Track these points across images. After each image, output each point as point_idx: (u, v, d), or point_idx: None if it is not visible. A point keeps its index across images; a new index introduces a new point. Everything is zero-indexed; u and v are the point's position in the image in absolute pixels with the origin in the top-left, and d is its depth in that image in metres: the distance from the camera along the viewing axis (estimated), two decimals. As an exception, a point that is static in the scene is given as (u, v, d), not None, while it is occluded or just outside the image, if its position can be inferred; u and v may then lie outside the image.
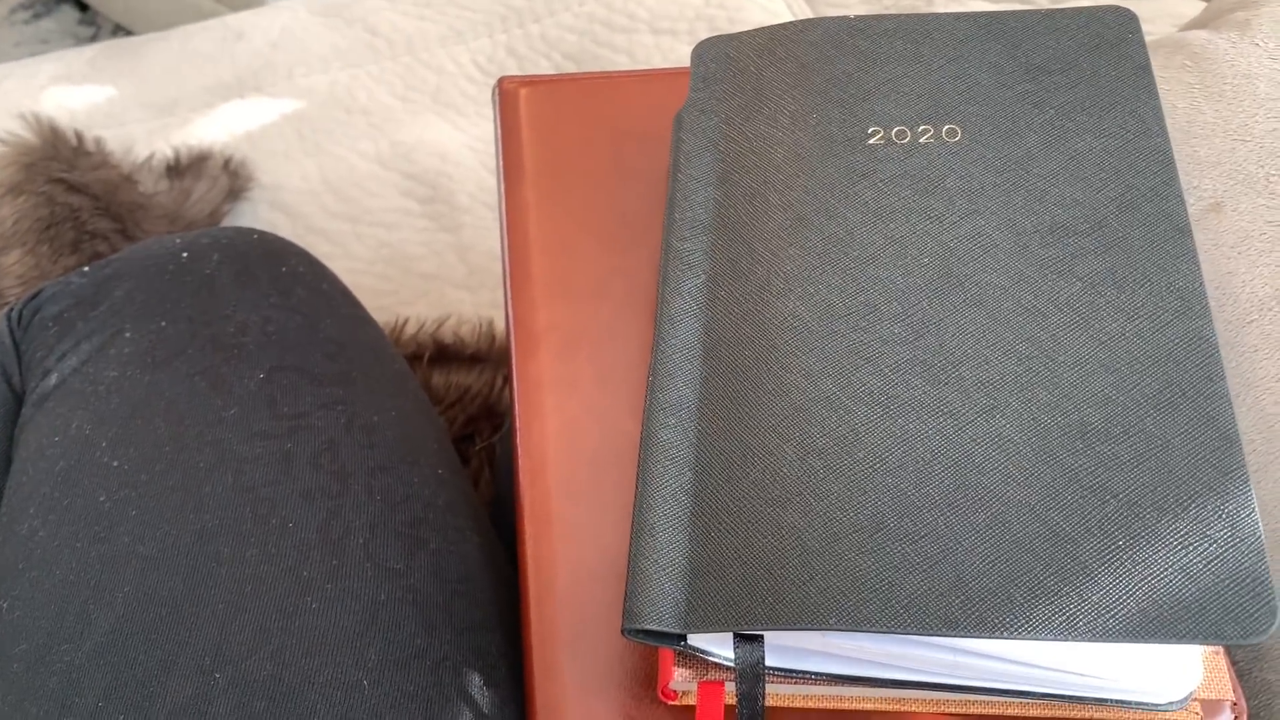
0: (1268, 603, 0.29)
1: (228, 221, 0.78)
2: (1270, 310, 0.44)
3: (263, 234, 0.50)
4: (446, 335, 0.70)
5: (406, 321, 0.69)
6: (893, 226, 0.37)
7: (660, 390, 0.36)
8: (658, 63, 0.83)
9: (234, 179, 0.77)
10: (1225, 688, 0.34)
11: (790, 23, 0.43)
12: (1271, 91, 0.48)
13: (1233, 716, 0.35)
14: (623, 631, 0.32)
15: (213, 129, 0.83)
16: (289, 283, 0.48)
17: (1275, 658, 0.41)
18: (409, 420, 0.45)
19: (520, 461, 0.40)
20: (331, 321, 0.47)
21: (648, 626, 0.32)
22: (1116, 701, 0.32)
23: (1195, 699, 0.34)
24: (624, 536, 0.38)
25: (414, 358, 0.65)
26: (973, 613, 0.30)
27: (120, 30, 1.67)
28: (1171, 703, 0.32)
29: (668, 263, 0.39)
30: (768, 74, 0.42)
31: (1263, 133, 0.47)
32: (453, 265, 0.75)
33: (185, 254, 0.48)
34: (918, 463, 0.32)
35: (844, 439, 0.33)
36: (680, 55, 0.83)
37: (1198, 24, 0.55)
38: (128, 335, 0.44)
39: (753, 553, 0.32)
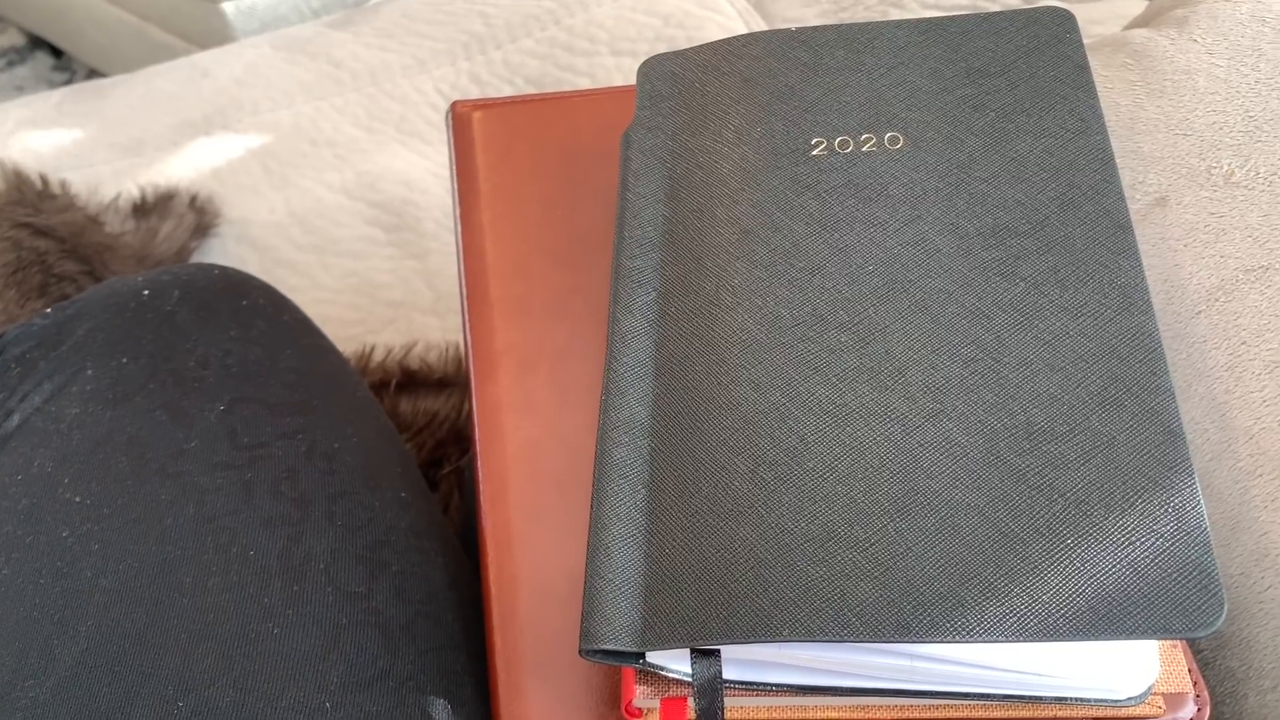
0: (1215, 595, 0.29)
1: (196, 258, 0.77)
2: (1217, 301, 0.44)
3: (224, 269, 0.50)
4: (413, 362, 0.69)
5: (374, 349, 0.69)
6: (838, 236, 0.36)
7: (613, 409, 0.35)
8: (618, 82, 0.83)
9: (201, 216, 0.76)
10: (1184, 680, 0.33)
11: (733, 37, 0.43)
12: (1210, 86, 0.48)
13: (1196, 708, 0.34)
14: (580, 652, 0.32)
15: (179, 167, 0.83)
16: (249, 316, 0.48)
17: (1237, 645, 0.40)
18: (370, 446, 0.45)
19: (481, 484, 0.40)
20: (291, 352, 0.47)
21: (604, 646, 0.31)
22: (1077, 699, 0.32)
23: (1157, 693, 0.33)
24: (584, 558, 0.37)
25: (382, 385, 0.65)
26: (924, 617, 0.29)
27: (94, 74, 1.66)
28: (1131, 698, 0.32)
29: (618, 281, 0.38)
30: (712, 89, 0.42)
31: (1203, 126, 0.47)
32: (420, 291, 0.75)
33: (146, 291, 0.48)
34: (867, 470, 0.32)
35: (794, 449, 0.33)
36: (640, 74, 0.83)
37: (1139, 22, 0.55)
38: (89, 373, 0.44)
39: (706, 568, 0.31)
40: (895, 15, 0.81)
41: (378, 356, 0.69)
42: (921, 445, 0.32)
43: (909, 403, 0.33)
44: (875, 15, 0.81)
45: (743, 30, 0.86)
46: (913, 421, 0.33)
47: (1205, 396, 0.43)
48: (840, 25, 0.42)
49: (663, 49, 0.85)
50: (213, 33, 1.50)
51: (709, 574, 0.31)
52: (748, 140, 0.40)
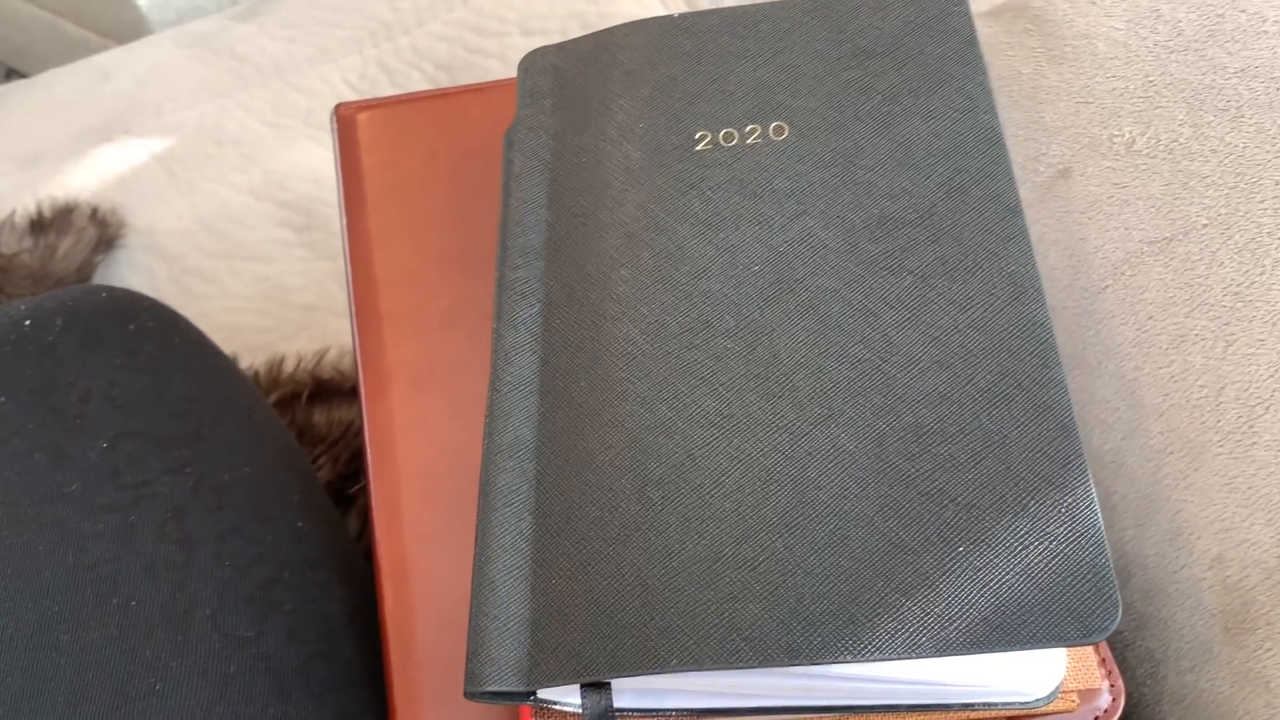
0: (1109, 598, 0.28)
1: (100, 272, 0.74)
2: (1123, 274, 0.43)
3: (111, 291, 0.48)
4: (326, 370, 0.67)
5: (284, 360, 0.66)
6: (723, 236, 0.35)
7: (496, 432, 0.34)
8: (530, 66, 0.81)
9: (103, 229, 0.73)
10: (1094, 674, 0.32)
11: (615, 27, 0.41)
12: (1109, 50, 0.47)
13: (1110, 698, 0.34)
14: (465, 694, 0.30)
15: (81, 177, 0.80)
16: (136, 341, 0.45)
17: (1156, 626, 0.40)
18: (265, 474, 0.43)
19: (374, 509, 0.38)
20: (182, 377, 0.45)
21: (490, 688, 0.30)
22: (984, 704, 0.31)
23: (1069, 690, 0.32)
24: (479, 582, 0.36)
25: (294, 396, 0.63)
26: (815, 638, 0.28)
27: (15, 74, 1.61)
28: (1039, 699, 0.31)
29: (501, 293, 0.37)
30: (594, 84, 0.40)
31: (1103, 93, 0.46)
32: (333, 294, 0.72)
33: (28, 322, 0.45)
34: (755, 483, 0.31)
35: (680, 466, 0.31)
36: (552, 56, 0.81)
37: (1039, -14, 0.54)
38: None
39: (593, 598, 0.30)
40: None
41: (289, 366, 0.67)
42: (809, 454, 0.31)
43: (797, 410, 0.32)
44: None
45: (656, 6, 0.84)
46: (801, 429, 0.31)
47: (1115, 374, 0.42)
48: (724, 9, 0.40)
49: (574, 27, 0.82)
50: (126, 26, 1.45)
51: (596, 604, 0.30)
52: (631, 137, 0.38)
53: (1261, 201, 0.41)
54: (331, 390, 0.64)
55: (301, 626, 0.38)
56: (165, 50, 0.89)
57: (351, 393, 0.65)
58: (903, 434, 0.31)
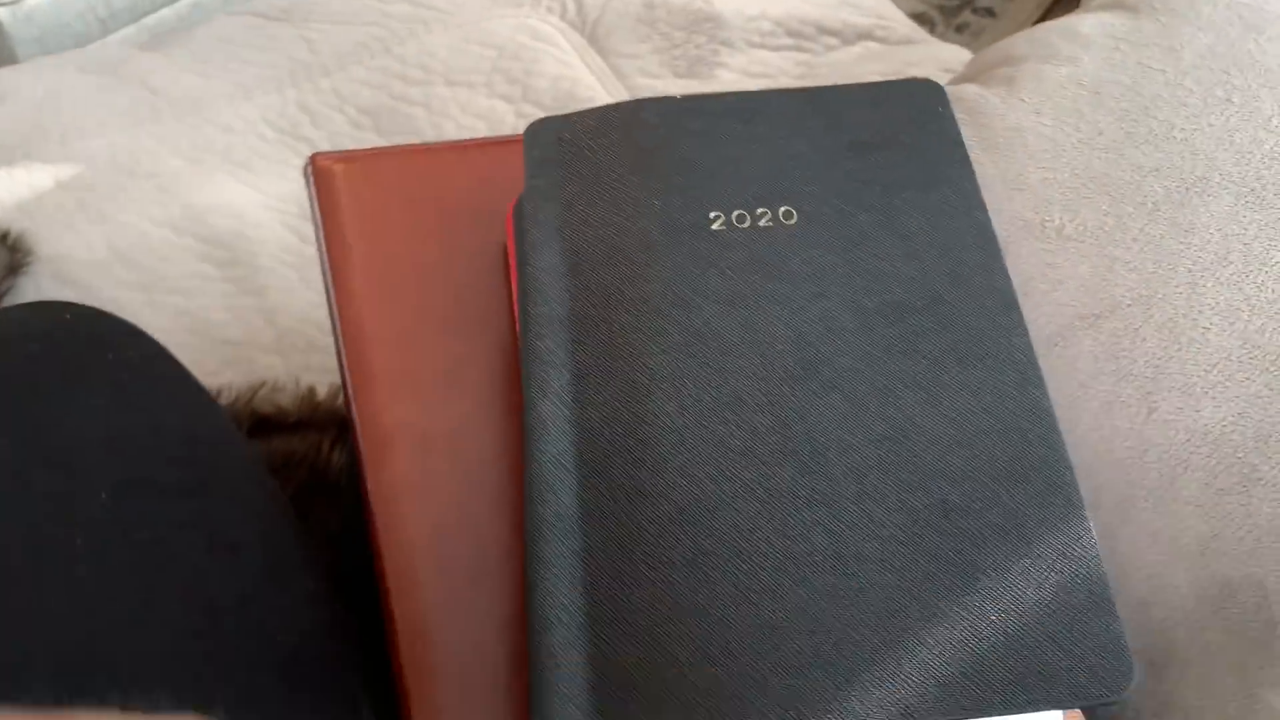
0: (1126, 660, 0.29)
1: (9, 299, 0.68)
2: (1056, 346, 0.46)
3: (76, 310, 0.42)
4: (264, 405, 0.63)
5: (220, 393, 0.62)
6: (747, 314, 0.35)
7: (538, 503, 0.33)
8: (455, 114, 0.79)
9: (12, 253, 0.67)
10: (1080, 722, 0.34)
11: (621, 104, 0.41)
12: (1039, 144, 0.50)
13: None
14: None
15: (-21, 201, 0.73)
16: (120, 373, 0.40)
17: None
18: (271, 529, 0.39)
19: (387, 577, 0.36)
20: (175, 416, 0.40)
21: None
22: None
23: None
24: (509, 648, 0.34)
25: (232, 432, 0.59)
26: (872, 704, 0.29)
27: None
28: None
29: (529, 361, 0.36)
30: (604, 158, 0.40)
31: (1035, 181, 0.49)
32: (260, 329, 0.68)
33: None
34: (800, 555, 0.31)
35: (728, 538, 0.31)
36: (478, 108, 0.79)
37: (966, 78, 0.57)
38: None
39: (657, 669, 0.30)
40: (725, 54, 0.81)
41: (225, 400, 0.62)
42: (849, 528, 0.31)
43: (831, 484, 0.32)
44: (706, 55, 0.81)
45: (578, 61, 0.84)
46: (838, 504, 0.32)
47: (1055, 437, 0.44)
48: (726, 94, 0.41)
49: (499, 81, 0.81)
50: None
51: (659, 676, 0.29)
52: (647, 213, 0.38)
53: (1177, 286, 0.45)
54: (271, 426, 0.61)
55: (328, 703, 0.36)
56: (65, 74, 0.82)
57: (293, 427, 0.61)
58: (932, 509, 0.32)
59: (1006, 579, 0.30)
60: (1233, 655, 0.40)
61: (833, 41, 0.85)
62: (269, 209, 0.74)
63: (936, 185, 0.38)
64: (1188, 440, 0.43)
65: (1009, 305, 0.35)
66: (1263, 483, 0.41)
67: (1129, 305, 0.45)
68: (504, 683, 0.34)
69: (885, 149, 0.39)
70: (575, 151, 0.40)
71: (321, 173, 0.46)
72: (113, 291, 0.69)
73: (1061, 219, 0.48)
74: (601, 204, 0.38)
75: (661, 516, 0.32)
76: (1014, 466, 0.32)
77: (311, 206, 0.46)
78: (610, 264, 0.37)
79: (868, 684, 0.29)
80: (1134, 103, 0.49)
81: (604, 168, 0.39)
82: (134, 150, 0.76)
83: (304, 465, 0.59)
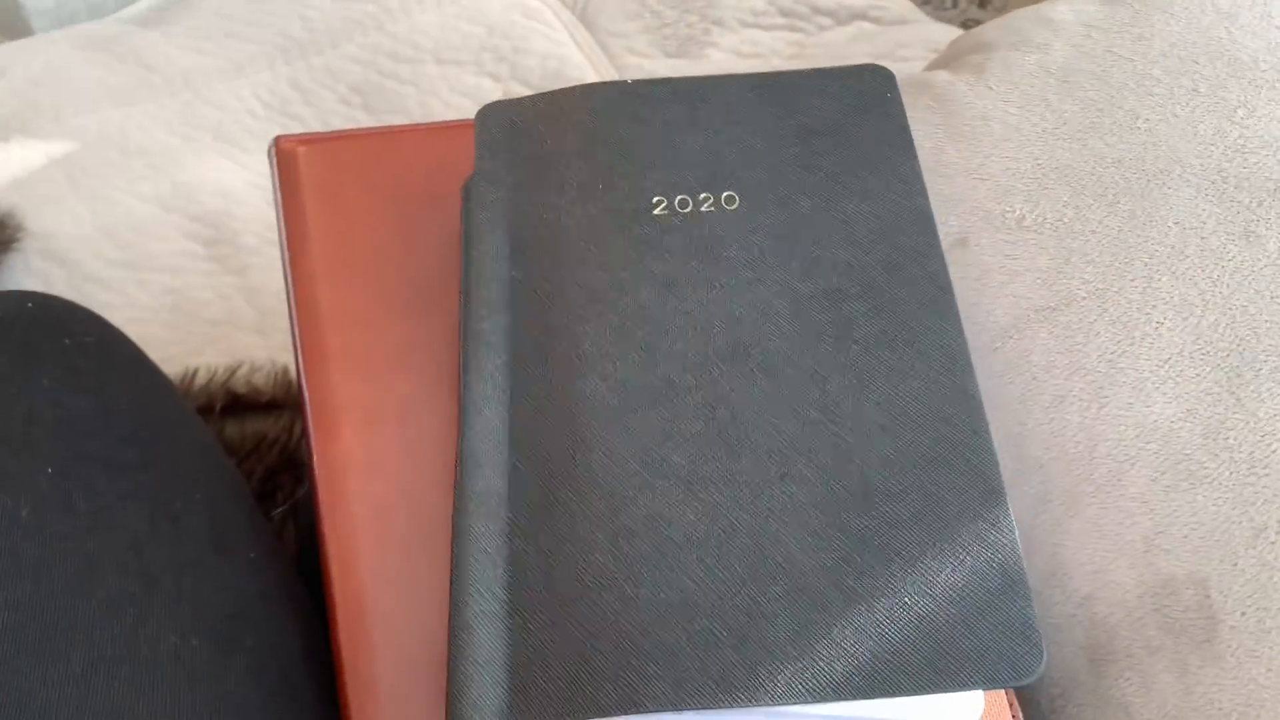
0: (1035, 645, 0.30)
1: (-4, 276, 0.69)
2: (1011, 338, 0.46)
3: (38, 299, 0.44)
4: (239, 384, 0.64)
5: (196, 372, 0.63)
6: (683, 298, 0.36)
7: (468, 480, 0.34)
8: (444, 93, 0.80)
9: (0, 230, 0.68)
10: (1004, 712, 0.35)
11: (571, 88, 0.42)
12: (1004, 133, 0.50)
13: (1011, 728, 0.36)
14: (446, 736, 0.30)
15: (-28, 175, 0.74)
16: (75, 357, 0.42)
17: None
18: (217, 501, 0.41)
19: (329, 551, 0.37)
20: (127, 397, 0.42)
21: (471, 730, 0.30)
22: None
23: (979, 720, 0.35)
24: (444, 622, 0.35)
25: (205, 409, 0.60)
26: (781, 681, 0.29)
27: None
28: (960, 730, 0.33)
29: (468, 343, 0.36)
30: (552, 143, 0.40)
31: (998, 171, 0.49)
32: (241, 309, 0.69)
33: None
34: (720, 535, 0.31)
35: (651, 518, 0.32)
36: (467, 86, 0.80)
37: (940, 64, 0.57)
38: None
39: (571, 643, 0.30)
40: (716, 33, 0.81)
41: (201, 379, 0.64)
42: (770, 509, 0.32)
43: (756, 466, 0.33)
44: (697, 34, 0.81)
45: (568, 39, 0.84)
46: (760, 485, 0.32)
47: (1001, 428, 0.44)
48: (675, 79, 0.41)
49: (488, 59, 0.81)
50: (3, 12, 1.34)
51: (574, 650, 0.30)
52: (591, 198, 0.38)
53: (1133, 280, 0.45)
54: (244, 405, 0.62)
55: (264, 664, 0.37)
56: (61, 50, 0.84)
57: (266, 407, 0.62)
58: (853, 492, 0.32)
59: (922, 562, 0.31)
60: (1173, 652, 0.40)
61: (826, 21, 0.85)
62: (255, 187, 0.75)
63: (879, 171, 0.38)
64: (1137, 436, 0.43)
65: (943, 290, 0.35)
66: (1209, 481, 0.41)
67: (1084, 299, 0.45)
68: (440, 657, 0.35)
69: (830, 135, 0.39)
70: (524, 136, 0.40)
71: (284, 154, 0.47)
72: (100, 269, 0.71)
73: (1022, 209, 0.48)
74: (546, 188, 0.39)
75: (585, 494, 0.32)
76: (937, 451, 0.33)
77: (274, 188, 0.46)
78: (551, 248, 0.37)
79: (779, 662, 0.29)
80: (1101, 92, 0.49)
81: (551, 152, 0.40)
82: (126, 126, 0.77)
83: (275, 446, 0.61)
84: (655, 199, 0.38)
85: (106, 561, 0.36)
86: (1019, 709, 0.36)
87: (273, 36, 0.84)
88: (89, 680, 0.33)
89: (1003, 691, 0.35)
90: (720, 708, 0.29)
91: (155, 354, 0.67)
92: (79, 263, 0.71)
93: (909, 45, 0.79)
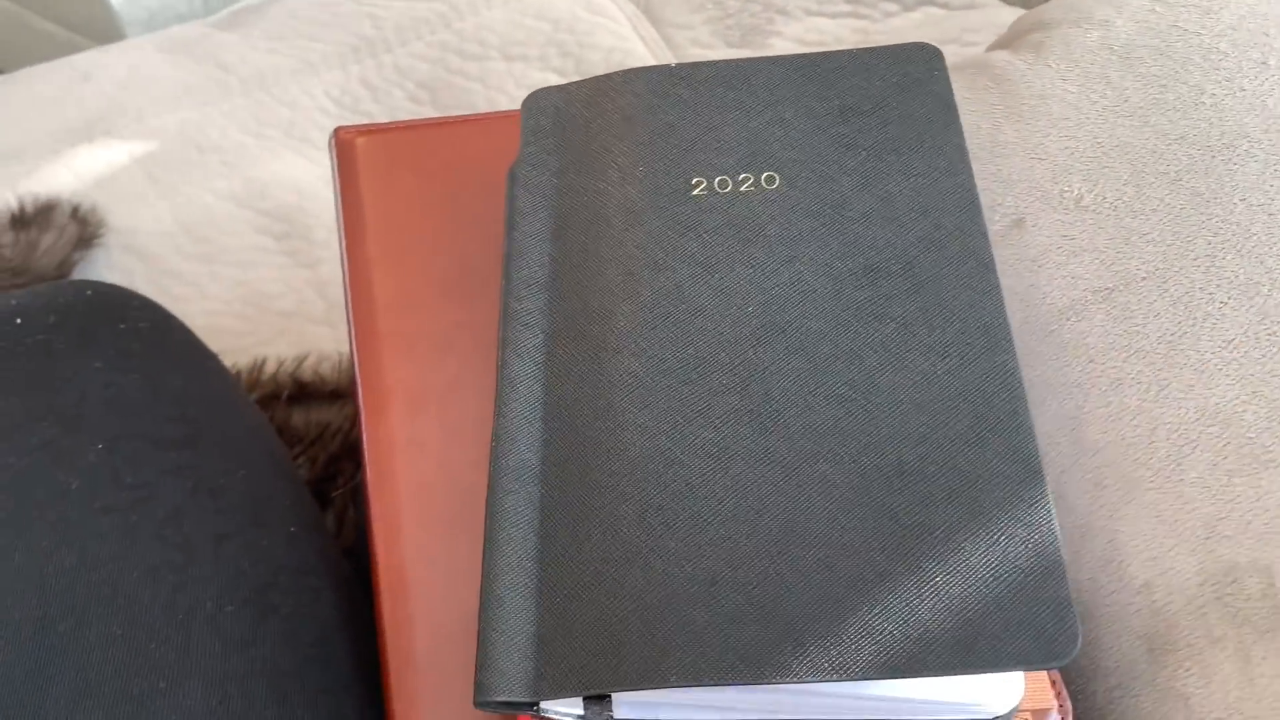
0: (1070, 627, 0.29)
1: (79, 270, 0.73)
2: (1068, 320, 0.45)
3: (97, 287, 0.47)
4: (306, 374, 0.66)
5: (265, 361, 0.66)
6: (718, 277, 0.36)
7: (502, 455, 0.34)
8: (510, 89, 0.81)
9: (83, 226, 0.72)
10: (1048, 696, 0.34)
11: (615, 74, 0.42)
12: (1063, 111, 0.49)
13: (1059, 718, 0.35)
14: (475, 703, 0.31)
15: (61, 175, 0.78)
16: (128, 340, 0.44)
17: (1087, 645, 0.42)
18: (258, 478, 0.43)
19: (374, 526, 0.38)
20: (176, 378, 0.44)
21: (498, 699, 0.31)
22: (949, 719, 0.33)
23: (1024, 709, 0.34)
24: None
25: (273, 397, 0.62)
26: (805, 659, 0.29)
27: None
28: (998, 716, 0.33)
29: (506, 323, 0.37)
30: (595, 126, 0.41)
31: (1056, 150, 0.48)
32: (311, 301, 0.72)
33: (19, 319, 0.44)
34: (749, 512, 0.32)
35: (680, 493, 0.32)
36: (533, 81, 0.81)
37: (1001, 44, 0.56)
38: None
39: (597, 615, 0.31)
40: (780, 22, 0.80)
41: (269, 369, 0.66)
42: (800, 486, 0.32)
43: (788, 444, 0.33)
44: (761, 23, 0.80)
45: (631, 33, 0.85)
46: (792, 463, 0.32)
47: (1058, 412, 0.44)
48: (718, 62, 0.41)
49: (554, 54, 0.83)
50: (95, 20, 1.41)
51: (600, 622, 0.31)
52: (631, 179, 0.39)
53: (1195, 259, 0.44)
54: (311, 393, 0.64)
55: (297, 630, 0.38)
56: (146, 54, 0.87)
57: (330, 396, 0.64)
58: (886, 470, 0.32)
59: (955, 541, 0.31)
60: (1236, 642, 0.39)
61: (892, 8, 0.84)
62: (326, 182, 0.77)
63: (921, 149, 0.38)
64: (1198, 419, 0.41)
65: (984, 267, 0.35)
66: (1274, 465, 0.40)
67: (1144, 279, 0.44)
68: (476, 630, 0.36)
69: (873, 113, 0.39)
70: (568, 120, 0.41)
71: (343, 145, 0.49)
72: (177, 263, 0.74)
73: (1080, 189, 0.47)
74: (589, 171, 0.39)
75: (617, 471, 0.33)
76: (974, 430, 0.32)
77: (333, 178, 0.48)
78: (591, 229, 0.38)
79: (804, 639, 0.29)
80: (1164, 67, 0.48)
81: (594, 136, 0.40)
82: (203, 125, 0.80)
83: (338, 435, 0.62)
84: (694, 179, 0.38)
85: (148, 532, 0.38)
86: (1066, 695, 0.35)
87: (343, 36, 0.87)
88: (129, 641, 0.35)
89: (1047, 676, 0.35)
90: (744, 683, 0.29)
91: (228, 344, 0.70)
92: (158, 257, 0.74)
93: (977, 30, 0.78)
